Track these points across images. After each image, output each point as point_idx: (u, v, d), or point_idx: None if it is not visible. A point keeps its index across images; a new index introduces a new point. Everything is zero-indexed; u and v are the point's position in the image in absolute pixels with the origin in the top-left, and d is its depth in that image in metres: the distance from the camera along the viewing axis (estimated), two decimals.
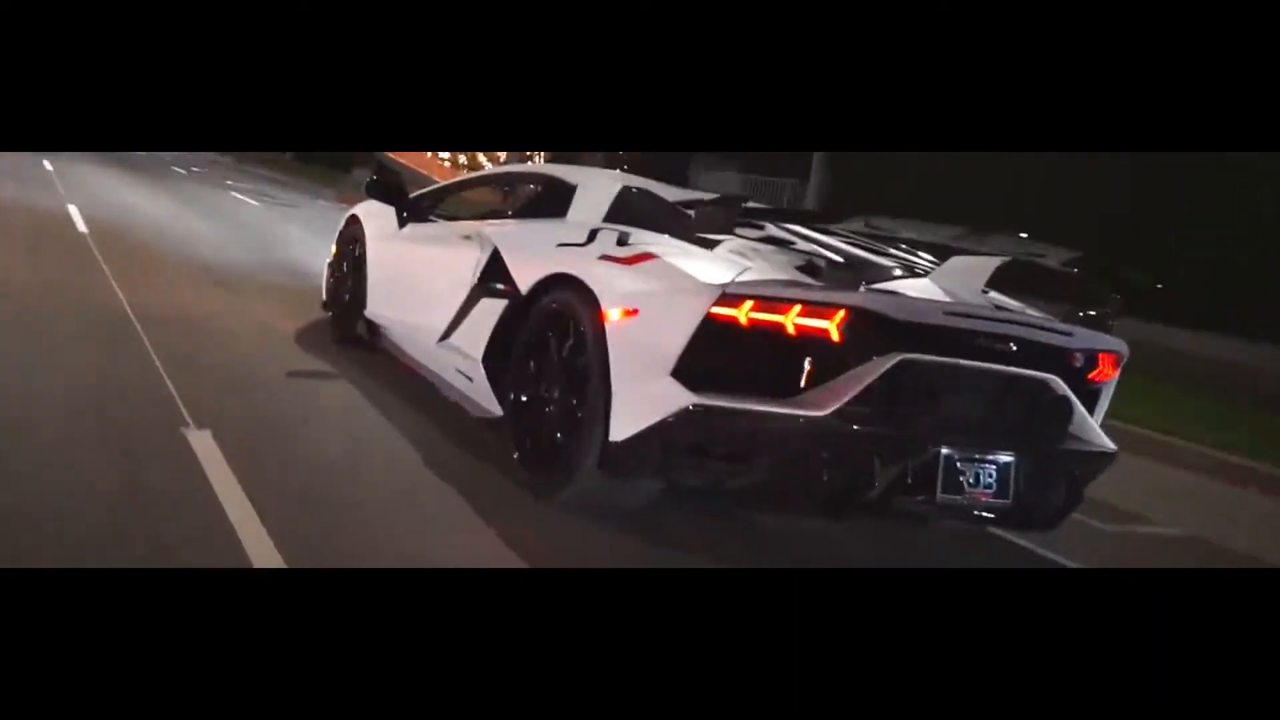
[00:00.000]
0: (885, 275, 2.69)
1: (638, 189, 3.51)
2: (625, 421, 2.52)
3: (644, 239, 2.84)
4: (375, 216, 4.46)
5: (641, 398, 2.50)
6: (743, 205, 3.21)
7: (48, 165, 12.76)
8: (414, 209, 4.35)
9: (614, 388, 2.53)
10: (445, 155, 25.98)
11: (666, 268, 2.62)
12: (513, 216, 4.24)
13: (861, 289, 2.51)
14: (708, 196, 3.82)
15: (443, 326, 3.47)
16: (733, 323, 2.39)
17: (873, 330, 2.40)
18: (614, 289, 2.62)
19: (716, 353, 2.43)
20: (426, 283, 3.80)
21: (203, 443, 2.78)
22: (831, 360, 2.42)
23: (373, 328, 4.27)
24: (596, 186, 3.55)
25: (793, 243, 2.98)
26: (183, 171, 18.74)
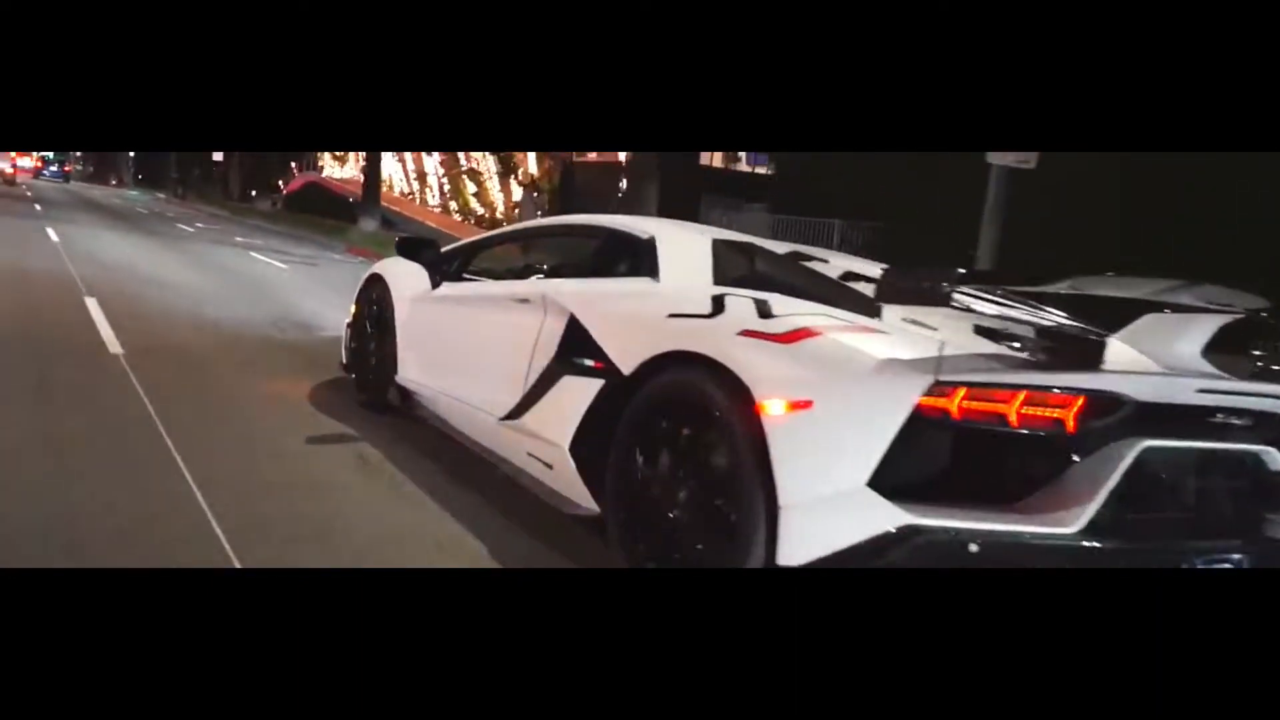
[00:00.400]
0: (1089, 346, 2.16)
1: (731, 242, 3.10)
2: (801, 543, 2.02)
3: (792, 308, 2.36)
4: (401, 275, 4.16)
5: (826, 514, 2.02)
6: (959, 273, 2.57)
7: (53, 236, 12.16)
8: (447, 267, 4.04)
9: (782, 499, 2.04)
10: (456, 209, 25.50)
11: (843, 348, 2.12)
12: (575, 275, 3.60)
13: (1100, 366, 2.03)
14: (821, 252, 3.39)
15: (507, 402, 3.04)
16: (943, 416, 1.95)
17: (1110, 416, 2.00)
18: (771, 374, 2.14)
19: (922, 455, 2.01)
20: (479, 352, 3.46)
21: None
22: (1060, 456, 2.03)
23: (406, 394, 3.94)
24: (680, 241, 3.06)
25: (963, 306, 2.46)
26: (189, 229, 18.48)
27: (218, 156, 34.86)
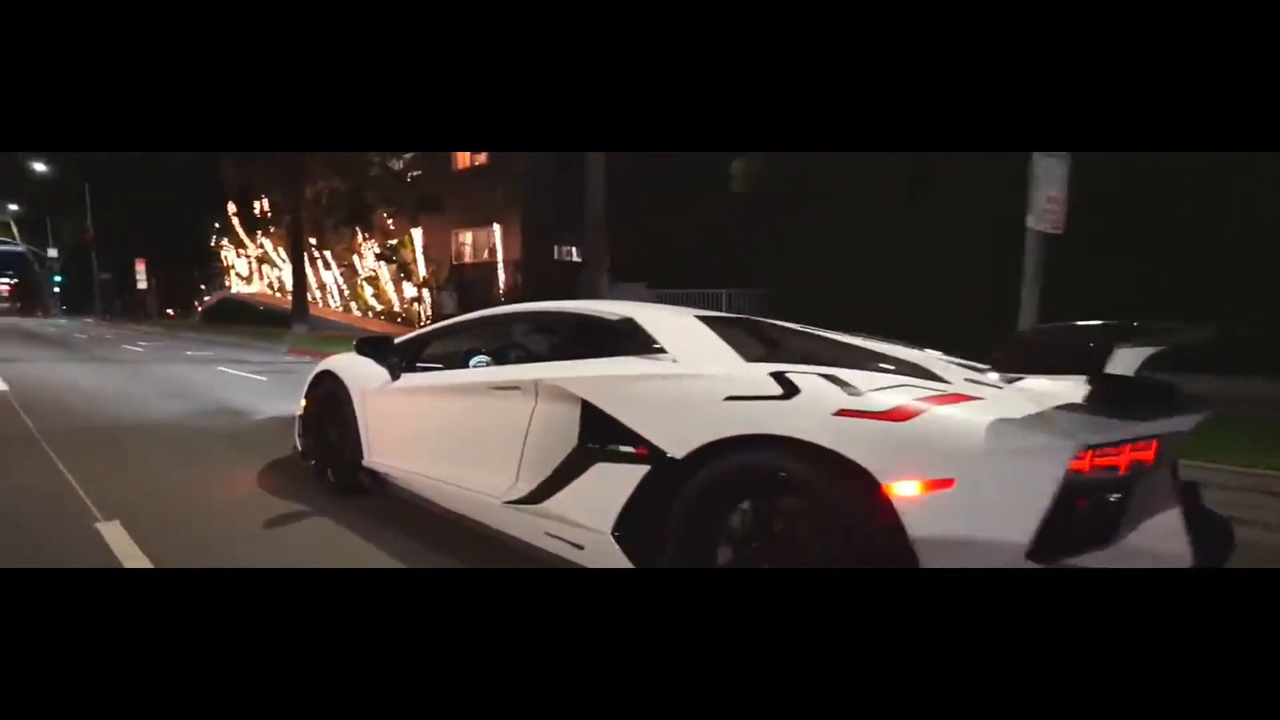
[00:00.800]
0: (1154, 390, 2.26)
1: (711, 316, 3.19)
2: None
3: (863, 380, 2.32)
4: (355, 369, 4.35)
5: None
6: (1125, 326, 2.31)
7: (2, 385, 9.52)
8: (400, 360, 4.17)
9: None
10: (357, 308, 27.50)
11: (969, 421, 2.08)
12: (550, 359, 3.62)
13: (1171, 410, 2.19)
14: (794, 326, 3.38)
15: (509, 485, 3.06)
16: (1077, 475, 1.99)
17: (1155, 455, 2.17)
18: (893, 455, 2.07)
19: (1066, 518, 2.02)
20: (462, 438, 3.48)
21: None
22: (1129, 494, 2.15)
23: (377, 477, 4.11)
24: (664, 319, 3.08)
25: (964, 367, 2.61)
26: (136, 349, 17.28)
27: (142, 284, 38.64)
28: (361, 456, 4.15)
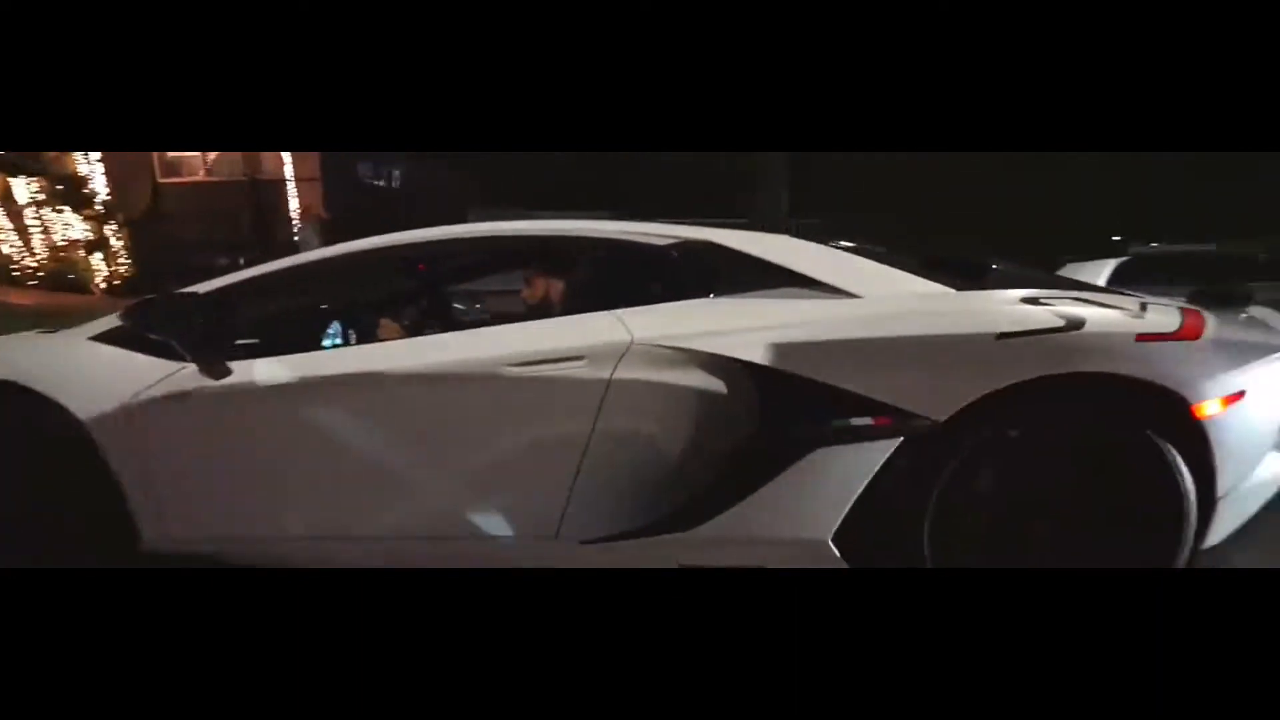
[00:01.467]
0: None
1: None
2: (1224, 522, 2.10)
3: (1126, 302, 2.22)
4: (78, 371, 2.48)
5: (1248, 488, 2.12)
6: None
7: None
8: (210, 336, 2.42)
9: (1220, 490, 2.04)
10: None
11: (1240, 330, 2.26)
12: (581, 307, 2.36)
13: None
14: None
15: (600, 511, 2.18)
16: None
17: None
18: (1198, 374, 2.03)
19: None
20: (483, 455, 2.26)
21: None
22: None
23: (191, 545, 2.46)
24: (792, 245, 2.38)
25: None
26: None
27: None
28: (137, 535, 2.43)
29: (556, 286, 2.71)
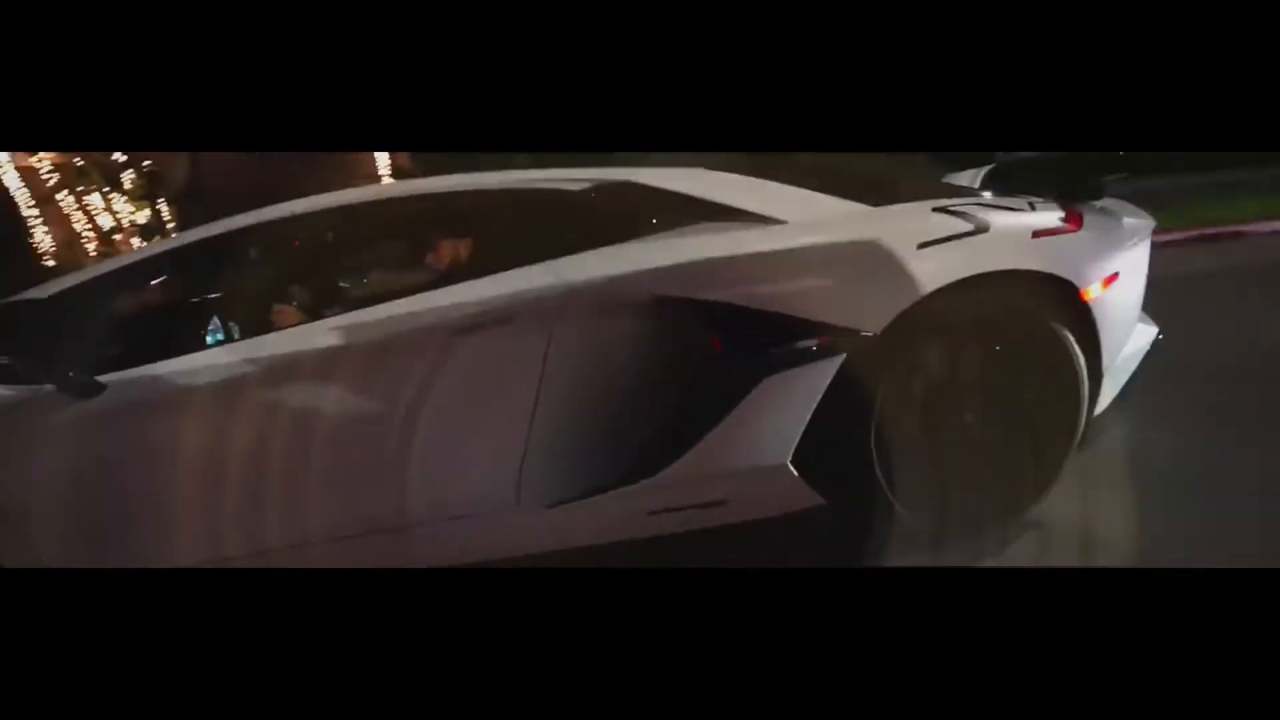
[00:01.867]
0: None
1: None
2: (1106, 394, 2.39)
3: (1009, 201, 2.38)
4: None
5: (1124, 357, 2.45)
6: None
7: None
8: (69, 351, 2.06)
9: (1105, 363, 2.32)
10: None
11: (1107, 218, 2.49)
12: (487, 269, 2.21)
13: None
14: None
15: (558, 470, 2.09)
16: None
17: None
18: (1082, 262, 2.26)
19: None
20: (373, 440, 2.09)
21: None
22: None
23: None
24: (706, 179, 2.36)
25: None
26: None
27: None
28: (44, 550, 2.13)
29: (465, 247, 2.51)
